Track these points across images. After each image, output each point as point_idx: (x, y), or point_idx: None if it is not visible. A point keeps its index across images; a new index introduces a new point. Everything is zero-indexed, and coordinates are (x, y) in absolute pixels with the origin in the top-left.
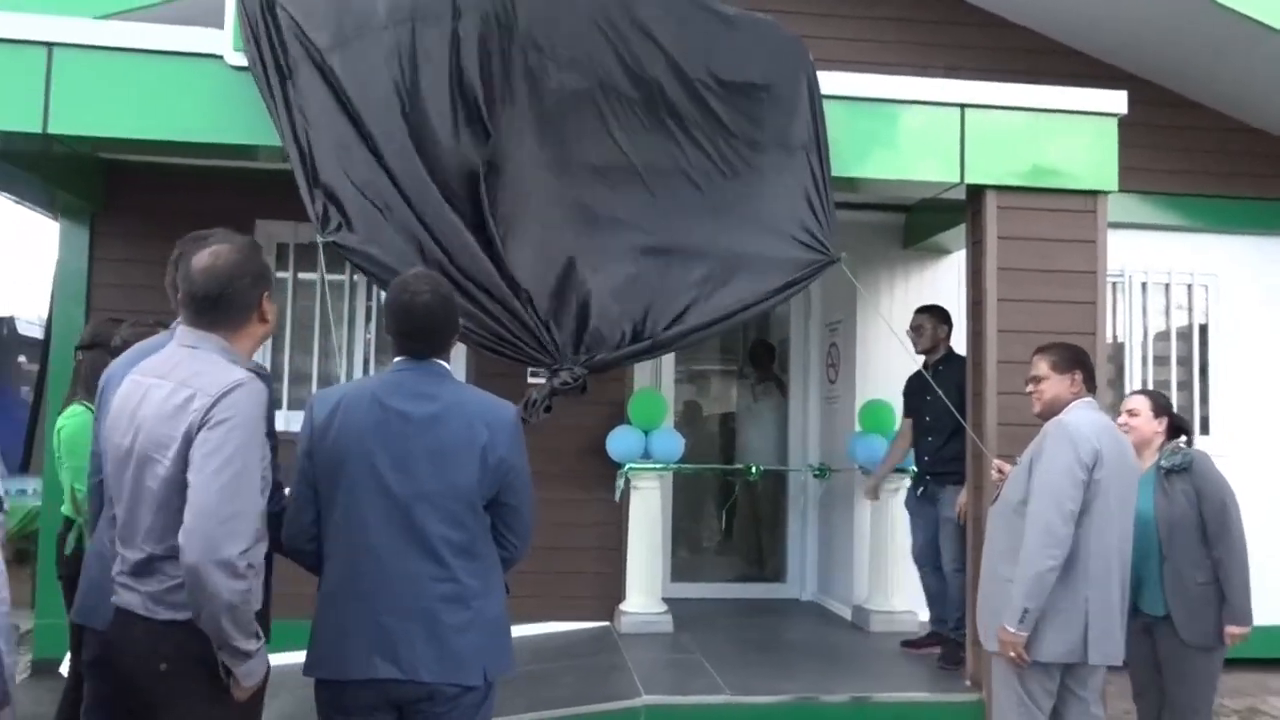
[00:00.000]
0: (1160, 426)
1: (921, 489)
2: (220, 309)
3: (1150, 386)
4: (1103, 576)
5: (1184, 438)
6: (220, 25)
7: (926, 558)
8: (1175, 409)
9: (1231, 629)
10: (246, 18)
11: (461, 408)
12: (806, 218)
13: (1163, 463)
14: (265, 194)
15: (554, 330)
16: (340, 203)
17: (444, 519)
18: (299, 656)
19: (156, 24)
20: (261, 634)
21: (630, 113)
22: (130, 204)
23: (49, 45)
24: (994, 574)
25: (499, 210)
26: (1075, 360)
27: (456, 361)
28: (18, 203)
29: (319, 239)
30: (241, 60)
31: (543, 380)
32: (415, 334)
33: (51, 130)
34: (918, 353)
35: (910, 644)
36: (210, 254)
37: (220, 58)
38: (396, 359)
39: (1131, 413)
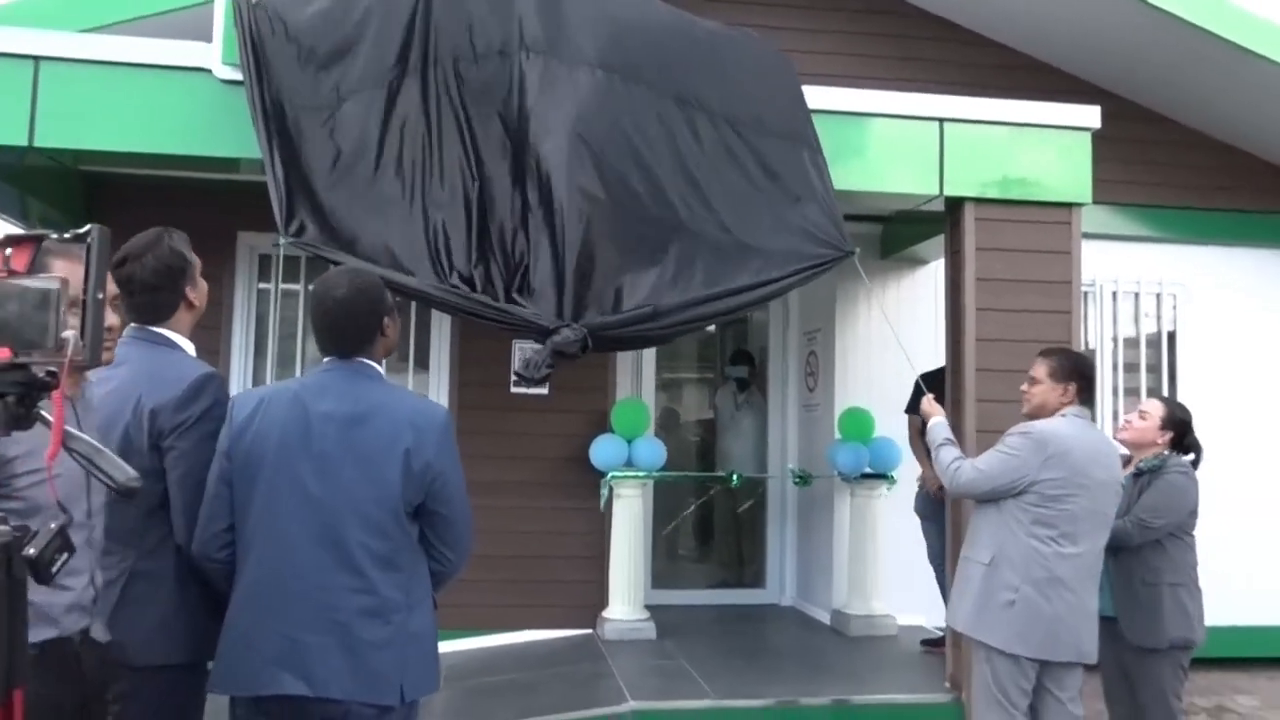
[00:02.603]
0: (1163, 439)
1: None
2: None
3: (1120, 391)
4: (1075, 577)
5: (1190, 455)
6: (208, 38)
7: (943, 558)
8: (1194, 433)
9: None
10: (241, 26)
11: (387, 409)
12: (817, 214)
13: (1141, 464)
14: (247, 208)
15: (554, 295)
16: (308, 207)
17: (365, 527)
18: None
19: (144, 37)
20: None
21: (630, 109)
22: (108, 218)
23: (36, 59)
24: (964, 558)
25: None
26: (1074, 371)
27: (441, 353)
28: None
29: (281, 240)
30: (230, 74)
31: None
32: (331, 331)
33: (38, 143)
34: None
35: (930, 643)
36: None
37: (209, 71)
38: (324, 359)
39: (1141, 414)
